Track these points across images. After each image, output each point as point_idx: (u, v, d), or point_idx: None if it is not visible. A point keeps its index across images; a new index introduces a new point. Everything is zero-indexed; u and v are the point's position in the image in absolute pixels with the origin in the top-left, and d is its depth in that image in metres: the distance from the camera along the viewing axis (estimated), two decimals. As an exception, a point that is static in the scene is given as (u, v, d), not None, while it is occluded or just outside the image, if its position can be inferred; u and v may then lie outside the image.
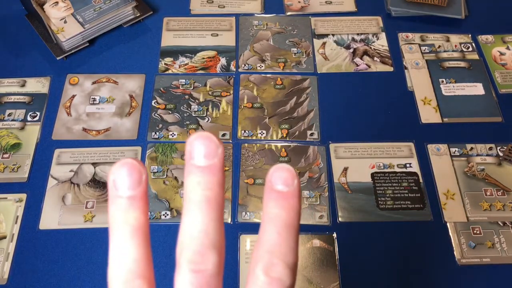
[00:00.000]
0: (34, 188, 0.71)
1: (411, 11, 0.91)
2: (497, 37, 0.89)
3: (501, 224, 0.68)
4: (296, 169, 0.72)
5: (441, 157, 0.74)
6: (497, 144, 0.75)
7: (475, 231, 0.67)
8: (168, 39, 0.88)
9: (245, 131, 0.77)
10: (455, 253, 0.66)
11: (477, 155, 0.74)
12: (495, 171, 0.73)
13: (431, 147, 0.75)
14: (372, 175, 0.72)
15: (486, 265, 0.65)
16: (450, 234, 0.67)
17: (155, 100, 0.80)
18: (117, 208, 0.23)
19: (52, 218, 0.68)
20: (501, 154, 0.74)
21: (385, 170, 0.73)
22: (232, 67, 0.85)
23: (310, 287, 0.63)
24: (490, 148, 0.75)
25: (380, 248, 0.66)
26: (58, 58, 0.83)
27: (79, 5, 0.86)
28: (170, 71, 0.84)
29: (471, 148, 0.75)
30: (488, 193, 0.70)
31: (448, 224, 0.68)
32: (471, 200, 0.70)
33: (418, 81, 0.83)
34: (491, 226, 0.67)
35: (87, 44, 0.85)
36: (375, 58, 0.86)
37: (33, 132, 0.76)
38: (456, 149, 0.75)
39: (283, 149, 0.75)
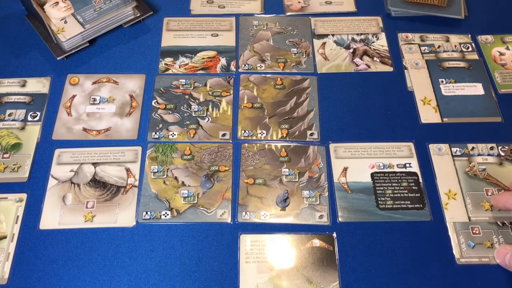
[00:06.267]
0: (34, 188, 0.71)
1: (411, 11, 0.91)
2: (497, 37, 0.89)
3: (500, 225, 0.68)
4: (296, 169, 0.72)
5: (442, 156, 0.74)
6: (498, 144, 0.75)
7: (474, 231, 0.67)
8: (168, 39, 0.89)
9: (245, 131, 0.77)
10: (454, 252, 0.66)
11: (479, 154, 0.74)
12: (497, 171, 0.73)
13: (433, 147, 0.75)
14: (372, 175, 0.72)
15: (485, 265, 0.65)
16: (450, 233, 0.67)
17: (155, 100, 0.80)
18: None
19: (52, 218, 0.68)
20: (502, 153, 0.74)
21: (385, 170, 0.73)
22: (232, 67, 0.85)
23: (310, 286, 0.63)
24: (492, 148, 0.75)
25: (380, 248, 0.66)
26: (58, 58, 0.83)
27: (79, 5, 0.86)
28: (170, 71, 0.84)
29: (473, 148, 0.75)
30: (489, 193, 0.70)
31: (447, 223, 0.68)
32: (472, 200, 0.70)
33: (418, 81, 0.83)
34: (491, 226, 0.68)
35: (87, 44, 0.85)
36: (375, 58, 0.86)
37: (33, 132, 0.76)
38: (458, 149, 0.75)
39: (283, 149, 0.75)
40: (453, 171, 0.73)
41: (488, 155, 0.74)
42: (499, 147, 0.75)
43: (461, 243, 0.66)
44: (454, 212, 0.69)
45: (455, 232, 0.67)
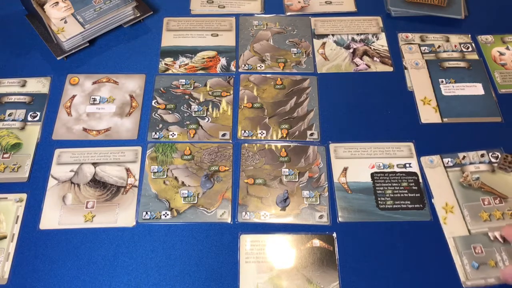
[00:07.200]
0: (34, 188, 0.71)
1: (411, 11, 0.91)
2: (497, 37, 0.89)
3: (502, 241, 0.66)
4: (296, 169, 0.72)
5: (435, 169, 0.72)
6: (489, 150, 0.74)
7: (476, 251, 0.65)
8: (168, 39, 0.89)
9: (245, 131, 0.77)
10: (459, 275, 0.64)
11: (470, 163, 0.73)
12: (490, 178, 0.71)
13: (424, 160, 0.73)
14: (372, 175, 0.72)
15: (491, 287, 0.63)
16: (452, 255, 0.65)
17: (155, 100, 0.80)
18: None
19: (52, 218, 0.68)
20: (494, 160, 0.73)
21: (385, 170, 0.73)
22: (232, 67, 0.85)
23: (310, 286, 0.63)
24: (482, 155, 0.73)
25: (380, 248, 0.66)
26: (58, 58, 0.83)
27: (79, 5, 0.86)
28: (170, 71, 0.84)
29: (464, 157, 0.73)
30: (486, 203, 0.69)
31: (448, 239, 0.66)
32: (470, 212, 0.68)
33: (418, 81, 0.83)
34: (492, 244, 0.66)
35: (87, 44, 0.85)
36: (375, 58, 0.86)
37: (33, 132, 0.76)
38: (449, 159, 0.73)
39: (283, 149, 0.75)
40: (447, 183, 0.71)
41: (480, 162, 0.73)
42: (489, 154, 0.73)
43: (465, 264, 0.64)
44: (453, 226, 0.67)
45: (458, 253, 0.65)
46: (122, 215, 0.68)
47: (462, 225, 0.67)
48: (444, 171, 0.72)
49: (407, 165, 0.73)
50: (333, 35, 0.90)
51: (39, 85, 0.82)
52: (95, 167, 0.73)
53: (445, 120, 0.78)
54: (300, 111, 0.79)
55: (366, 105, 0.80)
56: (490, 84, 0.82)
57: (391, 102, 0.80)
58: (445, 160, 0.73)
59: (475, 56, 0.86)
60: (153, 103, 0.80)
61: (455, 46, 0.88)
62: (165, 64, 0.85)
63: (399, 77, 0.84)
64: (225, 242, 0.66)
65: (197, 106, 0.80)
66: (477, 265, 0.64)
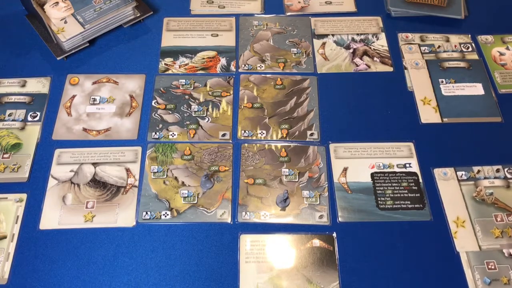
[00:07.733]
0: (34, 188, 0.71)
1: (411, 11, 0.91)
2: (497, 37, 0.89)
3: None
4: (296, 169, 0.72)
5: (448, 181, 0.71)
6: (505, 165, 0.73)
7: (489, 266, 0.64)
8: (168, 39, 0.89)
9: (245, 131, 0.77)
10: None
11: (485, 178, 0.72)
12: (504, 194, 0.70)
13: (438, 172, 0.72)
14: (372, 175, 0.72)
15: None
16: (464, 269, 0.64)
17: (155, 100, 0.80)
18: None
19: (52, 218, 0.68)
20: (509, 175, 0.71)
21: (385, 170, 0.73)
22: (232, 67, 0.85)
23: (310, 286, 0.63)
24: (498, 170, 0.72)
25: (380, 247, 0.66)
26: (58, 58, 0.83)
27: (79, 5, 0.86)
28: (170, 71, 0.84)
29: (478, 171, 0.72)
30: (498, 219, 0.68)
31: (461, 258, 0.65)
32: (482, 228, 0.67)
33: (418, 81, 0.83)
34: (506, 260, 0.65)
35: (87, 44, 0.85)
36: (375, 58, 0.86)
37: (33, 132, 0.76)
38: (463, 172, 0.72)
39: (283, 149, 0.75)
40: (460, 197, 0.70)
41: (495, 177, 0.72)
42: (505, 169, 0.72)
43: (477, 279, 0.63)
44: (464, 241, 0.66)
45: (470, 267, 0.64)
46: (122, 215, 0.68)
47: (473, 241, 0.66)
48: (457, 184, 0.71)
49: (407, 165, 0.73)
50: (333, 35, 0.90)
51: (39, 85, 0.82)
52: (95, 167, 0.73)
53: (445, 120, 0.78)
54: (300, 111, 0.79)
55: (366, 105, 0.80)
56: (490, 84, 0.82)
57: (391, 102, 0.80)
58: (459, 173, 0.72)
59: (475, 56, 0.86)
60: (153, 103, 0.80)
61: (455, 46, 0.88)
62: (165, 64, 0.85)
63: (399, 77, 0.84)
64: (225, 242, 0.66)
65: (197, 106, 0.80)
66: (489, 281, 0.63)
